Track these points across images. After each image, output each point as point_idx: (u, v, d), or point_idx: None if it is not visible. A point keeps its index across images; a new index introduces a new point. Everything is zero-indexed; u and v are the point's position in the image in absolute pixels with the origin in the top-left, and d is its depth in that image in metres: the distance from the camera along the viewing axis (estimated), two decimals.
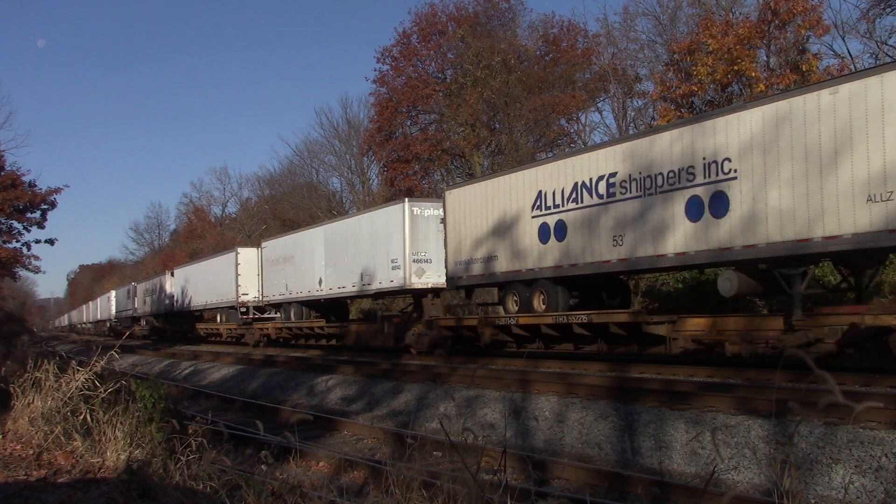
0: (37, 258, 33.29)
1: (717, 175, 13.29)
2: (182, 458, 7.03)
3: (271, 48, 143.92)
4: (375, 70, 40.76)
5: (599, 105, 38.71)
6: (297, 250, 28.66)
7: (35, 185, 31.61)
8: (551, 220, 16.92)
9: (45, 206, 31.64)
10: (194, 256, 53.15)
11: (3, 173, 31.01)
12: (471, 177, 33.51)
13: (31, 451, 8.41)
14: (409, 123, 39.44)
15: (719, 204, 13.24)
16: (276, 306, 31.12)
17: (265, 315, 32.68)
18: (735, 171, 12.97)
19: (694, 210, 13.70)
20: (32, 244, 32.54)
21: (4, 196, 30.07)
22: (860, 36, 25.43)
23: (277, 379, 18.74)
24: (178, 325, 42.95)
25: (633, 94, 34.50)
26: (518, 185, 17.93)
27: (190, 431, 7.51)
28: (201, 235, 68.04)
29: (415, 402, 13.42)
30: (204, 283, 37.32)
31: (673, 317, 14.56)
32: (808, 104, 11.87)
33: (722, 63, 23.18)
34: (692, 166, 13.72)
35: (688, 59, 24.89)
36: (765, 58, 25.02)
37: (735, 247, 13.00)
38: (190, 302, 39.67)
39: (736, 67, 23.08)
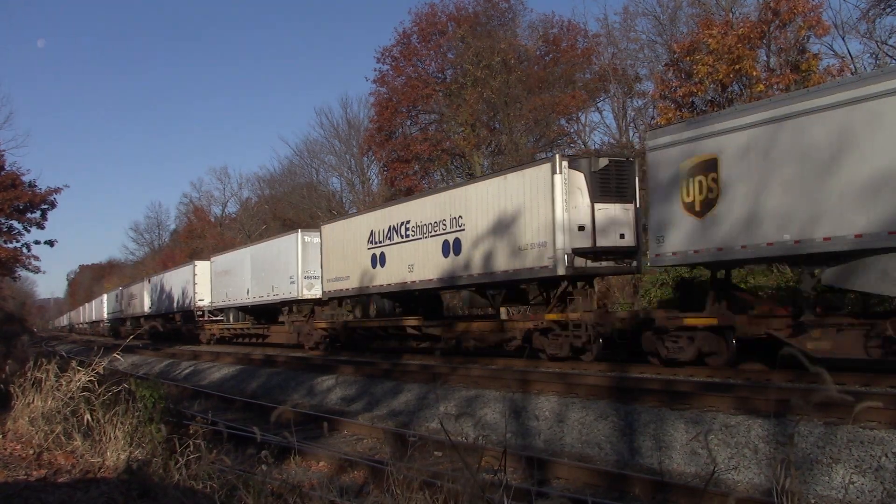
0: (37, 258, 33.31)
1: (456, 227, 19.64)
2: (182, 458, 7.03)
3: (271, 48, 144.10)
4: (375, 70, 40.76)
5: (599, 105, 38.75)
6: (234, 265, 34.52)
7: (35, 186, 31.63)
8: (377, 252, 23.11)
9: (45, 207, 31.65)
10: (194, 256, 53.51)
11: (2, 173, 30.99)
12: (470, 176, 34.62)
13: (31, 451, 8.41)
14: (409, 123, 39.46)
15: (457, 246, 19.54)
16: (222, 311, 36.81)
17: (216, 318, 38.05)
18: (464, 225, 19.31)
19: (445, 249, 20.02)
20: (32, 245, 32.58)
21: (4, 196, 30.06)
22: (860, 36, 25.42)
23: (277, 379, 18.74)
24: (136, 325, 50.83)
25: (633, 94, 34.52)
26: (361, 225, 24.21)
27: (190, 431, 7.50)
28: (201, 235, 68.05)
29: (415, 402, 13.42)
30: (172, 290, 43.26)
31: (445, 321, 21.31)
32: (506, 183, 17.96)
33: (723, 63, 23.18)
34: (444, 220, 20.12)
35: (688, 58, 24.88)
36: (765, 58, 25.02)
37: (463, 276, 19.31)
38: (161, 306, 45.60)
39: (737, 67, 23.08)
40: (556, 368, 15.96)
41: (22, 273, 38.02)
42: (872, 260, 11.20)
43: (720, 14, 27.52)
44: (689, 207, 13.77)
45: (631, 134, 33.72)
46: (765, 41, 24.45)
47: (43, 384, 9.33)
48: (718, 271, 14.27)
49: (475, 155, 36.47)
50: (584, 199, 16.33)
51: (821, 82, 20.23)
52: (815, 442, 8.09)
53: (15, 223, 31.96)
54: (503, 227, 17.88)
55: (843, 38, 26.99)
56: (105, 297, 70.42)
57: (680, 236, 13.93)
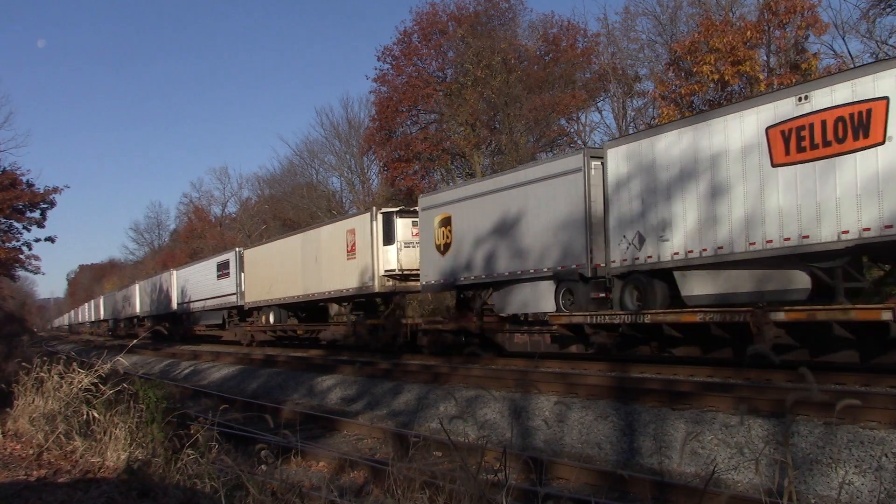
0: (37, 258, 33.32)
1: (312, 258, 27.18)
2: (183, 457, 7.04)
3: (271, 48, 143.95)
4: (376, 69, 40.70)
5: (599, 105, 38.77)
6: (191, 276, 40.95)
7: (33, 186, 31.60)
8: (274, 271, 30.21)
9: (45, 206, 31.65)
10: (194, 256, 53.77)
11: (1, 173, 30.97)
12: (470, 176, 35.29)
13: (31, 451, 8.41)
14: (409, 123, 39.46)
15: (310, 271, 27.34)
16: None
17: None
18: (319, 258, 26.57)
19: (303, 272, 28.26)
20: (32, 243, 32.58)
21: (4, 196, 30.06)
22: (860, 36, 25.45)
23: (278, 379, 18.75)
24: (129, 326, 56.26)
25: (633, 93, 34.53)
26: (268, 251, 31.58)
27: (192, 431, 7.50)
28: (201, 235, 68.05)
29: (415, 402, 13.43)
30: (148, 296, 49.18)
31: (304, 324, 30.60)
32: (337, 227, 25.88)
33: (726, 63, 23.22)
34: (301, 252, 28.03)
35: (689, 58, 24.90)
36: (765, 57, 25.04)
37: (319, 292, 26.74)
38: (139, 308, 52.14)
39: (740, 68, 23.12)
40: (556, 368, 16.00)
41: (22, 273, 38.04)
42: (509, 289, 18.36)
43: (720, 14, 27.52)
44: (438, 248, 20.60)
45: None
46: (764, 41, 24.47)
47: (44, 384, 9.34)
48: (459, 292, 20.83)
49: (475, 155, 36.49)
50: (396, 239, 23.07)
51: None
52: (814, 442, 8.09)
53: (14, 223, 31.98)
54: (339, 259, 25.03)
55: (843, 38, 27.06)
56: (102, 298, 71.69)
57: (434, 268, 20.79)
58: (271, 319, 31.65)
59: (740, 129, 13.24)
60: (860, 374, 11.58)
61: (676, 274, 14.45)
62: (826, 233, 11.97)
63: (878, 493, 7.14)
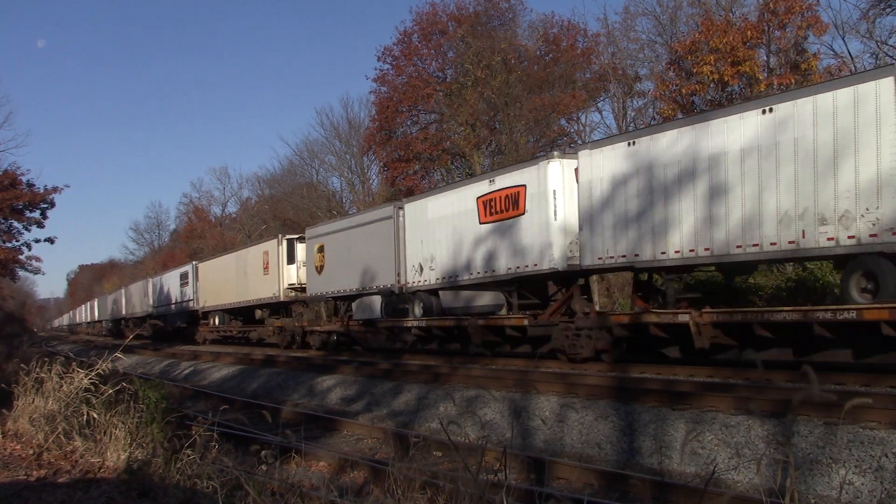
0: (38, 259, 33.27)
1: (241, 272, 33.76)
2: (183, 457, 7.03)
3: (271, 48, 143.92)
4: (376, 69, 40.64)
5: (599, 105, 38.73)
6: (168, 283, 45.74)
7: (32, 185, 31.55)
8: (219, 282, 36.87)
9: (45, 206, 31.60)
10: (194, 256, 53.84)
11: (1, 173, 30.93)
12: (470, 176, 35.20)
13: (31, 451, 8.41)
14: (409, 123, 39.43)
15: (242, 282, 34.03)
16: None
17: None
18: (246, 271, 33.14)
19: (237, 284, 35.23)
20: (32, 244, 32.52)
21: (3, 196, 30.02)
22: (860, 36, 25.41)
23: (278, 379, 18.75)
24: (117, 326, 61.09)
25: (633, 93, 34.51)
26: (215, 265, 37.81)
27: (192, 431, 7.50)
28: (201, 235, 67.96)
29: (415, 402, 13.43)
30: (135, 298, 54.03)
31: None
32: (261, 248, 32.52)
33: (726, 63, 23.21)
34: (236, 266, 34.84)
35: (689, 58, 24.89)
36: (764, 58, 25.03)
37: (244, 301, 34.20)
38: (126, 311, 57.35)
39: (740, 69, 23.12)
40: (555, 368, 16.00)
41: (22, 273, 37.97)
42: (359, 301, 24.21)
43: (720, 14, 27.51)
44: (317, 269, 26.92)
45: None
46: (764, 41, 24.46)
47: (44, 384, 9.33)
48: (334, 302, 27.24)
49: (475, 155, 36.46)
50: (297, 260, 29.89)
51: (820, 82, 20.63)
52: (814, 442, 8.09)
53: (14, 223, 31.93)
54: (259, 274, 31.78)
55: (843, 38, 27.04)
56: (96, 300, 74.72)
57: (315, 284, 27.22)
58: (217, 322, 37.93)
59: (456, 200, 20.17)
60: (861, 375, 11.57)
61: (440, 292, 20.90)
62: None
63: (878, 493, 7.14)
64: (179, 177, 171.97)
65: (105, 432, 8.21)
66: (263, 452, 6.08)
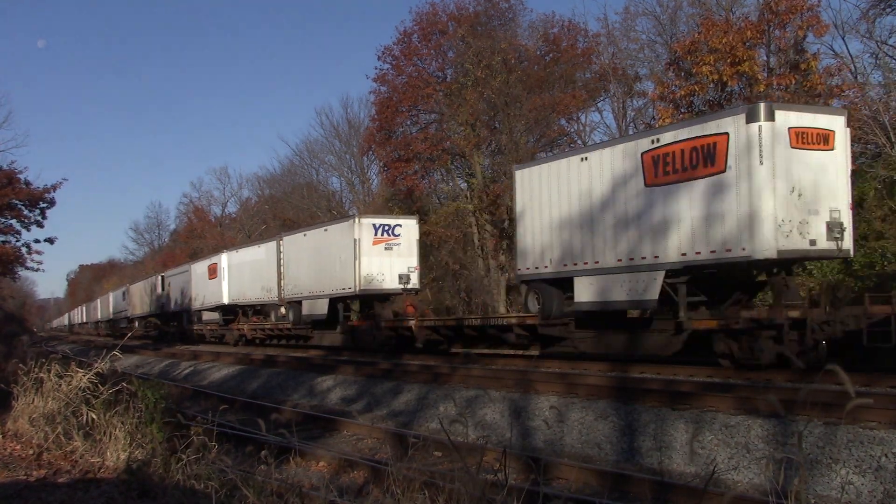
0: (39, 252, 33.13)
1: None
2: (182, 457, 7.03)
3: (271, 48, 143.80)
4: (376, 69, 40.58)
5: (599, 105, 38.70)
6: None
7: (31, 184, 31.49)
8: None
9: (44, 206, 31.58)
10: (194, 257, 53.96)
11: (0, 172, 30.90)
12: (470, 176, 35.27)
13: (31, 451, 8.41)
14: (409, 123, 39.41)
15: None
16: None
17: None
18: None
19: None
20: (32, 244, 32.50)
21: (3, 195, 30.00)
22: (860, 36, 25.37)
23: (278, 379, 18.74)
24: (113, 326, 62.28)
25: (633, 94, 34.49)
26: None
27: (192, 432, 7.50)
28: (201, 235, 67.93)
29: (415, 402, 13.42)
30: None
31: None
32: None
33: (725, 63, 23.18)
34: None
35: (689, 58, 24.86)
36: (764, 58, 25.01)
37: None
38: (121, 312, 59.18)
39: (739, 69, 23.09)
40: (555, 368, 16.00)
41: (22, 272, 37.91)
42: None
43: (720, 14, 27.50)
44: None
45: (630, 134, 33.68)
46: (764, 41, 24.45)
47: (44, 384, 9.33)
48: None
49: (475, 154, 36.44)
50: None
51: (820, 82, 20.74)
52: (814, 442, 8.09)
53: (14, 222, 31.90)
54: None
55: (843, 38, 27.02)
56: (99, 301, 74.97)
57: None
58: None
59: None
60: (861, 375, 11.56)
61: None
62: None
63: (878, 493, 7.13)
64: (179, 177, 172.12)
65: (105, 432, 8.21)
66: (263, 452, 6.07)
